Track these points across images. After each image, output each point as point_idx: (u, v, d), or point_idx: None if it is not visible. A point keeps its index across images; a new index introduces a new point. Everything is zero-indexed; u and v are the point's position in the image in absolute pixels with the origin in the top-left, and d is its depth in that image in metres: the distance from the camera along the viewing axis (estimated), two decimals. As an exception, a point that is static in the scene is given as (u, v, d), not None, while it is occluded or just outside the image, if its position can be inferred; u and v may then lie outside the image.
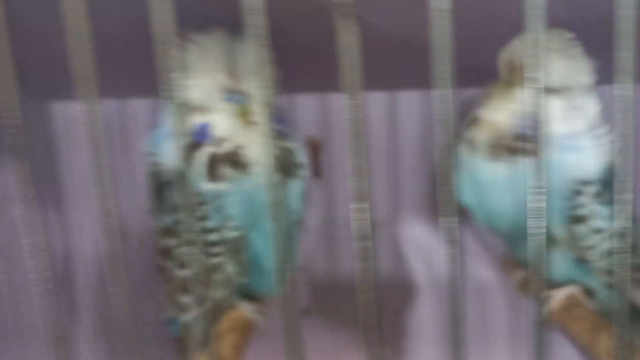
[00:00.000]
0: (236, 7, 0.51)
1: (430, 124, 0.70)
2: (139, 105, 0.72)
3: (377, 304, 0.28)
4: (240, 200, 0.49)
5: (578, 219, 0.50)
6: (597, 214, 0.50)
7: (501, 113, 0.51)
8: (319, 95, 0.71)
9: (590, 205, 0.50)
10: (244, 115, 0.49)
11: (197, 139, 0.49)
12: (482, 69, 0.54)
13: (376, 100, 0.70)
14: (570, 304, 0.51)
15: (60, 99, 0.73)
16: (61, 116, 0.74)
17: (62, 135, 0.74)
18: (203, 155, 0.48)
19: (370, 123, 0.70)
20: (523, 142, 0.49)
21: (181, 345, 0.57)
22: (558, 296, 0.52)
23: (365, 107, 0.72)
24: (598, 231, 0.50)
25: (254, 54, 0.50)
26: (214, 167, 0.48)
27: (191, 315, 0.53)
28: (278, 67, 0.53)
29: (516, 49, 0.50)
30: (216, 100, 0.48)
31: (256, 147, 0.49)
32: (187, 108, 0.49)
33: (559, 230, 0.51)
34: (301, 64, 0.62)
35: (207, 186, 0.48)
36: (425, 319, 0.75)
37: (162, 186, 0.51)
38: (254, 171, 0.49)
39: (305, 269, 0.73)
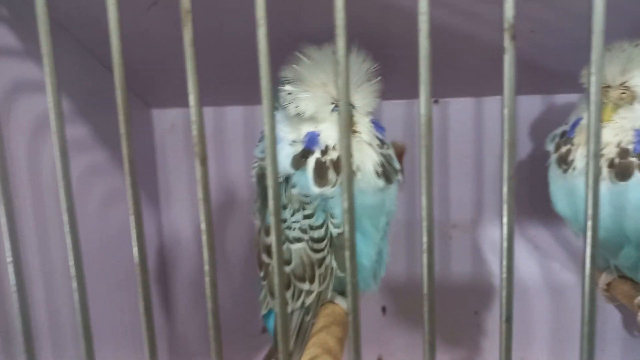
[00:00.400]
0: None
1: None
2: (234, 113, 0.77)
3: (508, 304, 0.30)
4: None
5: None
6: None
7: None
8: (405, 102, 0.73)
9: None
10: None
11: (307, 146, 0.52)
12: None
13: (461, 107, 0.72)
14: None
15: (160, 107, 0.79)
16: (160, 122, 0.79)
17: (160, 139, 0.80)
18: (311, 161, 0.52)
19: (455, 128, 0.73)
20: (631, 158, 0.50)
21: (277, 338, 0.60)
22: None
23: (451, 114, 0.74)
24: None
25: (361, 68, 0.53)
26: (321, 173, 0.52)
27: (288, 310, 0.56)
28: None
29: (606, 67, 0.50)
30: (325, 111, 0.51)
31: (360, 154, 0.53)
32: (299, 118, 0.53)
33: None
34: (389, 73, 0.65)
35: (314, 189, 0.51)
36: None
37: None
38: (358, 177, 0.52)
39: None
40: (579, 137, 0.53)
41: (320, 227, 0.53)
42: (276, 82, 0.57)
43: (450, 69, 0.64)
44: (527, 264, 0.74)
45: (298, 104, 0.51)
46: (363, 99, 0.53)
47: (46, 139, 0.57)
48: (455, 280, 0.75)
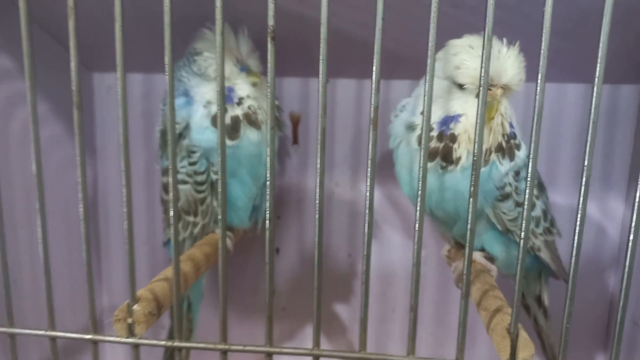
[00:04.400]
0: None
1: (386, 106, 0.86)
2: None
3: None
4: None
5: (505, 197, 0.58)
6: (518, 190, 0.58)
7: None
8: (300, 79, 0.87)
9: (513, 183, 0.57)
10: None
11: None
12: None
13: (346, 86, 0.87)
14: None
15: (100, 70, 0.92)
16: (100, 84, 0.92)
17: (99, 100, 0.93)
18: (227, 119, 0.65)
19: (340, 103, 0.87)
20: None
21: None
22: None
23: (338, 92, 0.88)
24: (519, 204, 0.58)
25: (248, 41, 0.68)
26: (235, 127, 0.66)
27: (180, 238, 0.71)
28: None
29: (466, 61, 0.53)
30: (235, 71, 0.67)
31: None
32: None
33: (489, 210, 0.58)
34: (288, 54, 0.78)
35: (228, 142, 0.64)
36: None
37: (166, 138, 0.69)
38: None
39: (279, 217, 0.91)
40: (463, 136, 0.55)
41: (202, 173, 0.68)
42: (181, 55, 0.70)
43: (337, 55, 0.77)
44: (391, 220, 0.90)
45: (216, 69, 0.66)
46: (254, 62, 0.69)
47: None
48: (335, 228, 0.91)
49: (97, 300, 0.93)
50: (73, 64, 0.45)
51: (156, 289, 0.51)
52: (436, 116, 0.56)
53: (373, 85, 0.42)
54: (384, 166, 0.88)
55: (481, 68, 0.40)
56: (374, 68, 0.42)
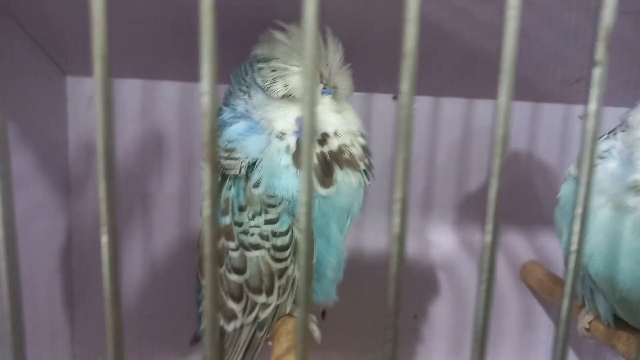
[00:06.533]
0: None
1: (469, 133, 0.70)
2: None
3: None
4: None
5: None
6: None
7: None
8: (362, 95, 0.68)
9: None
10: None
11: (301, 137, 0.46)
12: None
13: (419, 105, 0.69)
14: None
15: (76, 74, 0.66)
16: (76, 92, 0.67)
17: (74, 114, 0.68)
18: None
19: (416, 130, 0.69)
20: None
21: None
22: None
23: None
24: None
25: (338, 51, 0.47)
26: (327, 170, 0.46)
27: (237, 324, 0.50)
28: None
29: None
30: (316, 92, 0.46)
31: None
32: (287, 100, 0.46)
33: None
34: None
35: (320, 192, 0.46)
36: (441, 325, 0.76)
37: (222, 183, 0.47)
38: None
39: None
40: None
41: (284, 233, 0.46)
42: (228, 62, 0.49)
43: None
44: (469, 271, 0.74)
45: (288, 82, 0.45)
46: (345, 81, 0.49)
47: None
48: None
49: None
50: None
51: None
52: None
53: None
54: (459, 205, 0.72)
55: None
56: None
